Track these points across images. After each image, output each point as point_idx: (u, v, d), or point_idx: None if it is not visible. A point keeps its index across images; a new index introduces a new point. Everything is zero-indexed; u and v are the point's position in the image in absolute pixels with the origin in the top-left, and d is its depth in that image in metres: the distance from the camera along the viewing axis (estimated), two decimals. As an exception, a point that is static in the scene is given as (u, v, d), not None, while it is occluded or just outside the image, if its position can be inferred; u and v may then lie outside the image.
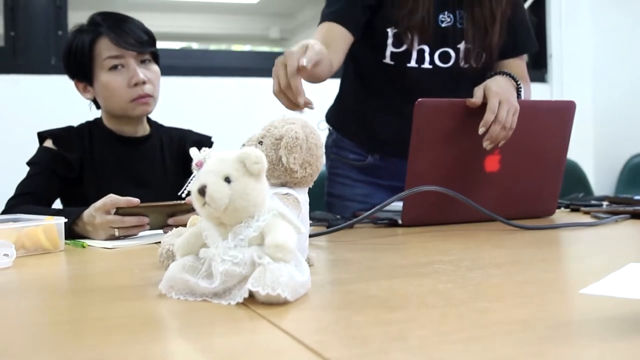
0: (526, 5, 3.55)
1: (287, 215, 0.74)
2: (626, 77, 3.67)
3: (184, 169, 1.76)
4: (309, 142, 0.86)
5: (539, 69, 3.93)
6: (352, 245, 1.22)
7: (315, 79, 1.43)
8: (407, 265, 0.99)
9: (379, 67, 1.69)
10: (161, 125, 1.82)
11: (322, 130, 1.86)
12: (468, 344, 0.56)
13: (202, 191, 0.71)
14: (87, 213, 1.35)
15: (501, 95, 1.43)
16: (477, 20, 1.66)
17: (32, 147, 1.70)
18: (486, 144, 1.41)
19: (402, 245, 1.24)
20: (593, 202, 1.82)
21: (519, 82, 1.54)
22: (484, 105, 1.42)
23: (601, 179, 3.88)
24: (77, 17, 3.28)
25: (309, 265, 0.85)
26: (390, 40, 1.65)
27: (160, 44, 1.76)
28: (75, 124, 1.75)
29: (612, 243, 1.23)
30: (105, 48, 1.65)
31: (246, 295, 0.70)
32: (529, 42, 1.79)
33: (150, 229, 1.38)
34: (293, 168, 0.85)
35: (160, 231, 1.40)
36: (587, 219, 1.53)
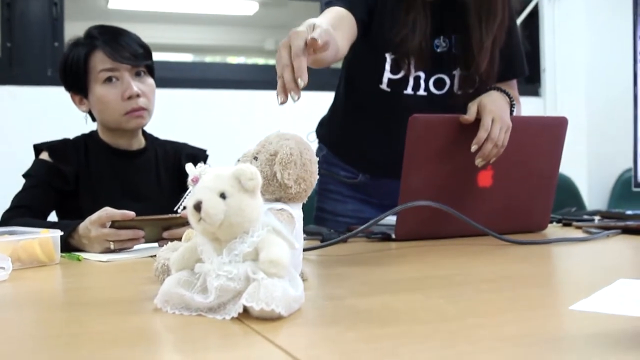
0: (519, 20, 3.58)
1: (281, 231, 0.75)
2: (619, 91, 3.69)
3: (179, 183, 1.77)
4: (303, 158, 0.88)
5: (532, 83, 3.96)
6: (345, 259, 1.23)
7: (320, 63, 1.24)
8: (400, 280, 1.00)
9: (374, 91, 1.68)
10: (156, 139, 1.83)
11: (312, 142, 1.86)
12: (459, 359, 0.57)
13: (197, 207, 0.72)
14: (83, 226, 1.36)
15: (494, 113, 1.44)
16: (467, 47, 1.62)
17: (28, 159, 1.71)
18: (478, 162, 1.42)
19: (395, 259, 1.25)
20: (585, 216, 1.84)
21: (512, 98, 1.55)
22: (477, 120, 1.43)
23: (594, 193, 3.90)
24: (73, 28, 3.31)
25: (303, 280, 0.86)
26: (388, 66, 1.64)
27: (155, 55, 1.77)
28: (71, 135, 1.76)
29: (603, 258, 1.24)
30: (99, 61, 1.66)
31: (240, 310, 0.70)
32: (520, 68, 1.76)
33: (146, 242, 1.39)
34: (287, 184, 0.86)
35: (155, 244, 1.41)
36: (579, 233, 1.55)
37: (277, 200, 0.88)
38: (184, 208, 0.78)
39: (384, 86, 1.66)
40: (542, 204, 1.59)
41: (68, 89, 1.73)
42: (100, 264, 1.23)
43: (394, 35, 1.60)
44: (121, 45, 1.66)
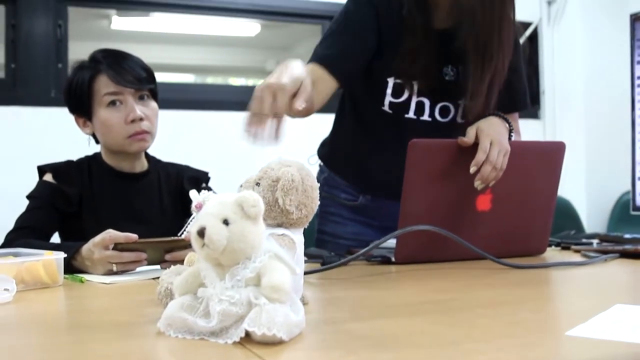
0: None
1: (282, 256, 0.77)
2: (618, 114, 3.72)
3: (181, 205, 1.78)
4: (304, 184, 0.89)
5: (531, 105, 3.98)
6: (345, 282, 1.24)
7: (295, 115, 1.28)
8: (399, 304, 1.01)
9: (377, 113, 1.70)
10: (159, 161, 1.85)
11: (312, 165, 1.88)
12: (455, 385, 0.58)
13: (201, 233, 0.74)
14: (86, 248, 1.38)
15: (493, 136, 1.46)
16: (469, 77, 1.63)
17: (31, 179, 1.73)
18: (477, 184, 1.44)
19: (394, 283, 1.27)
20: (584, 240, 1.85)
21: (511, 124, 1.57)
22: (475, 145, 1.45)
23: (593, 216, 3.91)
24: (77, 48, 3.35)
25: (304, 304, 0.87)
26: (389, 90, 1.66)
27: (157, 75, 1.79)
28: (74, 156, 1.78)
29: (600, 283, 1.26)
30: (103, 85, 1.68)
31: (242, 334, 0.72)
32: (522, 102, 1.77)
33: (148, 264, 1.40)
34: (289, 210, 0.88)
35: (158, 266, 1.42)
36: (577, 257, 1.56)
37: (279, 225, 0.90)
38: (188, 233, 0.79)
39: (385, 108, 1.69)
40: (541, 228, 1.60)
41: (72, 111, 1.75)
42: (103, 286, 1.24)
43: (400, 60, 1.62)
44: (125, 69, 1.68)
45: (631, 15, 1.83)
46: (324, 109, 1.57)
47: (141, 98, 1.72)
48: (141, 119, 1.68)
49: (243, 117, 1.14)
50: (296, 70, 1.20)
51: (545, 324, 0.88)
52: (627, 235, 1.76)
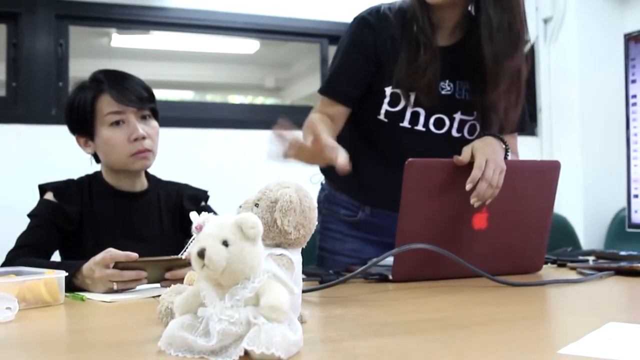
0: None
1: (281, 276, 0.78)
2: (614, 131, 3.74)
3: (180, 224, 1.80)
4: (302, 205, 0.91)
5: (530, 120, 4.00)
6: (343, 300, 1.25)
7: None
8: (396, 322, 1.02)
9: (373, 121, 1.75)
10: (159, 180, 1.87)
11: (315, 184, 1.90)
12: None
13: (201, 254, 0.76)
14: (87, 267, 1.39)
15: (488, 155, 1.48)
16: (473, 93, 1.71)
17: (32, 197, 1.75)
18: (473, 201, 1.46)
19: (392, 301, 1.28)
20: (580, 257, 1.87)
21: (507, 144, 1.59)
22: (471, 164, 1.47)
23: (590, 232, 3.92)
24: (76, 64, 3.38)
25: (302, 323, 0.89)
26: (386, 100, 1.71)
27: (157, 92, 1.82)
28: (75, 173, 1.80)
29: (595, 300, 1.27)
30: (106, 104, 1.70)
31: (242, 353, 0.73)
32: (521, 123, 1.80)
33: (148, 283, 1.42)
34: (287, 230, 0.89)
35: (158, 285, 1.43)
36: (572, 275, 1.57)
37: (277, 245, 0.91)
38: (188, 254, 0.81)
39: (381, 117, 1.73)
40: (537, 246, 1.62)
41: (73, 131, 1.77)
42: (104, 304, 1.26)
43: (407, 75, 1.67)
44: (127, 88, 1.71)
45: (625, 35, 1.85)
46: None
47: (143, 117, 1.74)
48: (144, 138, 1.71)
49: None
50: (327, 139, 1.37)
51: (538, 343, 0.89)
52: (622, 253, 1.77)
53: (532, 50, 4.13)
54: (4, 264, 1.55)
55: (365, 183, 1.82)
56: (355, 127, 1.83)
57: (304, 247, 0.95)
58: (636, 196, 1.75)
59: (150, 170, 1.86)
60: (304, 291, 1.11)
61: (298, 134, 1.36)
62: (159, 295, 0.99)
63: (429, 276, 1.48)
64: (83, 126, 1.73)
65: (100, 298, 1.31)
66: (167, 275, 1.41)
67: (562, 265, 1.77)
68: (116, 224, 1.73)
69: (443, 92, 1.72)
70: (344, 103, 1.75)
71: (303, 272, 0.98)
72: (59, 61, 3.35)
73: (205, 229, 0.78)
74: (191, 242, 0.81)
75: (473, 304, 1.20)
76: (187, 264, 1.34)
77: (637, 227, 1.77)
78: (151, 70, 4.61)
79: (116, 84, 1.71)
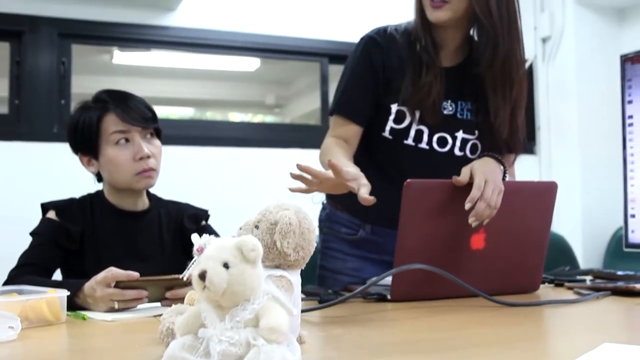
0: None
1: (280, 298, 0.80)
2: (612, 150, 3.76)
3: (181, 243, 1.82)
4: (302, 227, 0.93)
5: (527, 141, 4.03)
6: (342, 320, 1.27)
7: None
8: (394, 343, 1.04)
9: (377, 138, 1.78)
10: (160, 199, 1.89)
11: (316, 204, 1.92)
12: None
13: (202, 276, 0.77)
14: (88, 285, 1.40)
15: (487, 175, 1.50)
16: (479, 113, 1.76)
17: (34, 214, 1.76)
18: (471, 220, 1.47)
19: (390, 321, 1.29)
20: (577, 276, 1.88)
21: (505, 165, 1.61)
22: (470, 185, 1.49)
23: (589, 251, 3.93)
24: (79, 81, 3.40)
25: (301, 343, 0.90)
26: (392, 116, 1.74)
27: (157, 109, 1.83)
28: (77, 191, 1.81)
29: (591, 321, 1.28)
30: (112, 123, 1.72)
31: (241, 374, 0.75)
32: (520, 145, 1.84)
33: (149, 302, 1.43)
34: (287, 252, 0.91)
35: (159, 304, 1.45)
36: (569, 294, 1.58)
37: (277, 267, 0.93)
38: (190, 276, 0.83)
39: (386, 134, 1.76)
40: (534, 266, 1.63)
41: (76, 150, 1.78)
42: (105, 324, 1.27)
43: (412, 94, 1.71)
44: (131, 108, 1.73)
45: (621, 57, 1.87)
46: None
47: (146, 136, 1.76)
48: (148, 157, 1.73)
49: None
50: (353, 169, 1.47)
51: (534, 364, 0.91)
52: (620, 272, 1.78)
53: (530, 69, 4.16)
54: (6, 283, 1.57)
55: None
56: (359, 146, 1.85)
57: (303, 268, 0.97)
58: (633, 216, 1.76)
59: (151, 189, 1.87)
60: (302, 311, 1.12)
61: (319, 169, 1.39)
62: (159, 315, 1.01)
63: (427, 296, 1.50)
64: (87, 145, 1.74)
65: (102, 317, 1.32)
66: (168, 294, 1.43)
67: (559, 285, 1.78)
68: (118, 243, 1.75)
69: (445, 112, 1.76)
70: (356, 120, 1.77)
71: (302, 292, 0.99)
72: (62, 79, 3.37)
73: (207, 251, 0.80)
74: (192, 263, 0.82)
75: (471, 324, 1.21)
76: (187, 283, 1.35)
77: (634, 247, 1.77)
78: (152, 87, 4.63)
79: (120, 104, 1.73)
